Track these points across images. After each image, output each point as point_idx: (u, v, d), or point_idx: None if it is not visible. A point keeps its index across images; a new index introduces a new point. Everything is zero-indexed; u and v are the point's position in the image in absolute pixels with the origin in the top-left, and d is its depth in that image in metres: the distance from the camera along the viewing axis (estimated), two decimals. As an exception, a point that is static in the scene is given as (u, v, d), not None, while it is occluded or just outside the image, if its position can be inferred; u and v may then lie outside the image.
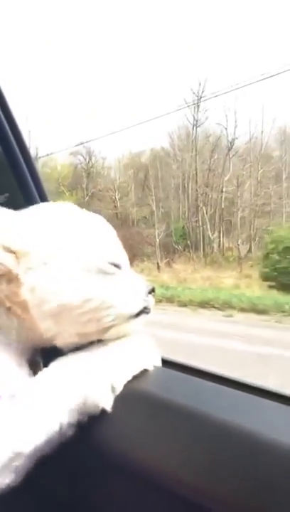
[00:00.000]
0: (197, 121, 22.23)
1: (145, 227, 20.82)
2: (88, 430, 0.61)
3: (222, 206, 20.68)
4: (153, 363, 0.71)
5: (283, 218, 19.02)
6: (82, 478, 0.66)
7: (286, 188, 20.30)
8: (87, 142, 25.00)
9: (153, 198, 22.25)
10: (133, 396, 0.64)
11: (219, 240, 20.10)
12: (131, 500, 0.60)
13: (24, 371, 0.65)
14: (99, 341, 0.69)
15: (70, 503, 0.69)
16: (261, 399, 0.60)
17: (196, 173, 21.51)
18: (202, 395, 0.63)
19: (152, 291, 0.70)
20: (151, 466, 0.56)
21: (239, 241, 17.22)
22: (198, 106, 22.07)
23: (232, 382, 0.66)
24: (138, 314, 0.68)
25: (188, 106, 21.96)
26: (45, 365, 0.66)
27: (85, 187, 24.51)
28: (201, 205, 21.61)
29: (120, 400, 0.63)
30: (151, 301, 0.69)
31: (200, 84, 21.94)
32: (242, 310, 8.58)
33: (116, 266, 0.67)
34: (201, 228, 21.21)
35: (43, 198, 0.91)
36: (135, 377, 0.67)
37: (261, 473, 0.47)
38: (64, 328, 0.65)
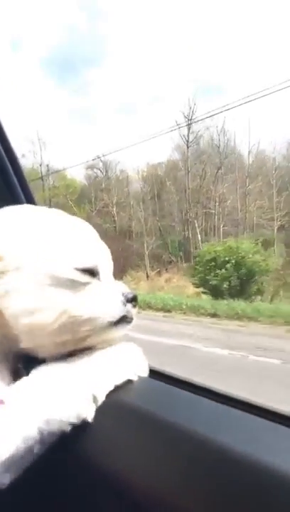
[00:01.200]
0: (188, 141, 24.64)
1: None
2: (70, 440, 0.60)
3: (204, 222, 23.31)
4: (138, 373, 0.69)
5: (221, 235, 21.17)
6: (64, 487, 0.65)
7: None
8: (101, 157, 27.41)
9: (143, 213, 24.66)
10: (115, 407, 0.62)
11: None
12: (108, 510, 0.59)
13: (4, 378, 0.63)
14: (84, 350, 0.67)
15: (52, 510, 0.68)
16: (248, 414, 0.58)
17: (185, 190, 24.11)
18: (186, 408, 0.62)
19: (133, 299, 0.67)
20: (129, 478, 0.55)
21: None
22: (188, 128, 24.47)
23: (221, 396, 0.64)
24: (117, 323, 0.65)
25: (179, 127, 24.35)
26: (28, 372, 0.64)
27: (93, 201, 27.00)
28: (190, 219, 23.88)
29: (102, 410, 0.61)
30: (131, 309, 0.67)
31: (190, 107, 24.35)
32: (168, 310, 11.52)
33: (92, 273, 0.65)
34: (191, 240, 23.42)
35: (30, 201, 0.89)
36: (119, 388, 0.65)
37: (235, 490, 0.46)
38: (40, 341, 0.63)
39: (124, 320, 0.67)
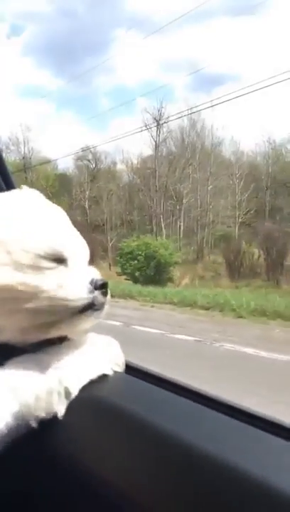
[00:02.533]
0: (156, 142, 26.77)
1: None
2: (40, 435, 0.58)
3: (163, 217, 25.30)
4: (114, 368, 0.67)
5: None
6: (34, 483, 0.64)
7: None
8: (90, 148, 28.24)
9: (115, 208, 26.93)
10: (89, 402, 0.61)
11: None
12: (81, 505, 0.58)
13: None
14: (58, 342, 0.65)
15: (22, 505, 0.66)
16: (220, 414, 0.58)
17: (149, 188, 26.04)
18: (160, 406, 0.61)
19: (102, 286, 0.65)
20: (100, 474, 0.55)
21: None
22: (157, 129, 26.57)
23: (197, 395, 0.63)
24: (82, 310, 0.63)
25: (147, 129, 26.50)
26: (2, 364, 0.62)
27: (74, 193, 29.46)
28: (154, 215, 26.13)
29: (75, 405, 0.60)
30: (99, 296, 0.64)
31: (158, 110, 26.43)
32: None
33: (58, 259, 0.62)
34: (158, 234, 25.68)
35: (10, 186, 0.87)
36: (92, 383, 0.63)
37: (201, 489, 0.47)
38: (2, 323, 0.61)
39: (91, 307, 0.64)
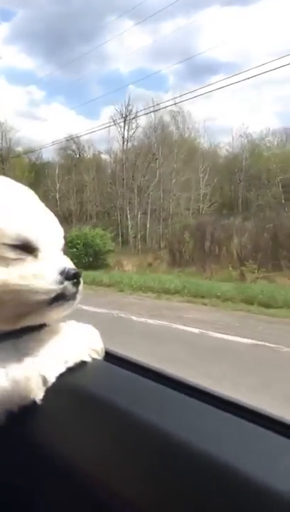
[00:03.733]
0: (123, 137, 28.53)
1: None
2: (17, 422, 0.58)
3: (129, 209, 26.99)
4: (92, 355, 0.66)
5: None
6: (11, 470, 0.63)
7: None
8: (73, 137, 29.19)
9: (74, 200, 28.93)
10: (66, 389, 0.60)
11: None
12: (58, 493, 0.58)
13: None
14: (36, 329, 0.64)
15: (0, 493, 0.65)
16: (200, 402, 0.57)
17: (116, 181, 27.76)
18: (138, 393, 0.60)
19: (74, 276, 0.63)
20: (76, 461, 0.55)
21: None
22: (125, 125, 28.30)
23: (177, 383, 0.62)
24: (52, 301, 0.61)
25: (115, 124, 28.23)
26: None
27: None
28: (119, 206, 27.94)
29: (53, 392, 0.59)
30: (70, 287, 0.62)
31: (126, 107, 28.17)
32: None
33: (27, 248, 0.60)
34: (124, 224, 27.60)
35: None
36: (70, 370, 0.62)
37: (178, 478, 0.47)
38: None
39: (61, 297, 0.62)
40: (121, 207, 26.32)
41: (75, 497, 0.57)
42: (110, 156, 30.15)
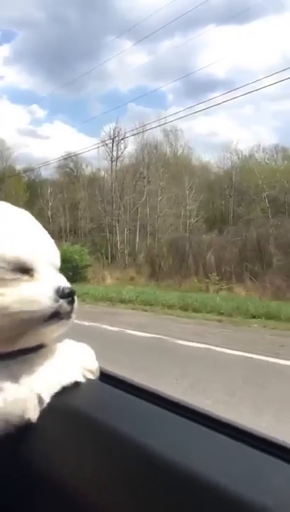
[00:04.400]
0: (111, 157, 30.04)
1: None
2: (12, 442, 0.58)
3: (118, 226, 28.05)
4: (87, 375, 0.66)
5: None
6: (5, 488, 0.63)
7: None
8: (73, 155, 29.75)
9: (67, 217, 30.21)
10: (60, 410, 0.60)
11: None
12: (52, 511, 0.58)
13: None
14: (32, 350, 0.64)
15: None
16: (196, 424, 0.56)
17: (106, 200, 28.36)
18: (132, 414, 0.60)
19: (69, 294, 0.63)
20: (69, 483, 0.55)
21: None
22: (113, 146, 29.66)
23: (172, 404, 0.62)
24: (47, 320, 0.61)
25: (104, 145, 29.42)
26: None
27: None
28: (107, 223, 28.93)
29: (47, 412, 0.59)
30: (65, 305, 0.62)
31: (114, 130, 28.93)
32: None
33: (22, 268, 0.61)
34: (113, 240, 28.82)
35: None
36: (65, 390, 0.62)
37: (171, 501, 0.47)
38: None
39: (56, 316, 0.63)
40: (110, 224, 27.72)
41: None
42: (107, 174, 31.40)
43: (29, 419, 0.58)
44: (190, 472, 0.47)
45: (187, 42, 38.74)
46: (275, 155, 33.44)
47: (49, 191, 30.28)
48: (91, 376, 0.67)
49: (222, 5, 37.51)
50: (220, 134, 43.81)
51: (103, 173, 30.28)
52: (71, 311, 0.64)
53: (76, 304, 0.65)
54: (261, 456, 0.50)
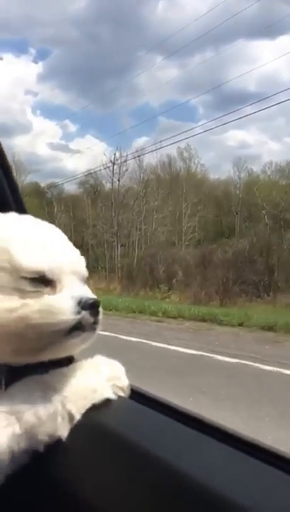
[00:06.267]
0: (112, 179, 30.36)
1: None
2: (42, 459, 0.58)
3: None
4: (118, 392, 0.66)
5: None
6: (34, 504, 0.63)
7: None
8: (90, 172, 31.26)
9: (71, 234, 32.32)
10: (91, 427, 0.60)
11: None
12: None
13: None
14: (65, 363, 0.64)
15: None
16: (227, 446, 0.56)
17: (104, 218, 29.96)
18: (162, 434, 0.60)
19: (92, 305, 0.61)
20: (98, 501, 0.55)
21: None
22: (113, 169, 30.19)
23: (202, 424, 0.61)
24: (69, 332, 0.60)
25: (105, 168, 29.65)
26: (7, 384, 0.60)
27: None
28: (106, 238, 29.02)
29: (77, 430, 0.59)
30: (87, 316, 0.61)
31: (114, 154, 29.79)
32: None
33: (45, 280, 0.60)
34: (111, 254, 28.98)
35: (20, 210, 0.84)
36: (96, 407, 0.61)
37: None
38: None
39: (79, 328, 0.61)
40: (107, 240, 30.79)
41: None
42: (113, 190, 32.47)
43: (59, 437, 0.57)
44: (223, 495, 0.47)
45: (217, 55, 39.36)
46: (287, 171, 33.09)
47: (56, 210, 33.07)
48: (122, 394, 0.66)
49: (252, 18, 37.81)
50: (252, 147, 44.09)
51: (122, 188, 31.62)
52: (95, 323, 0.62)
53: (100, 316, 0.62)
54: None
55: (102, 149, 39.55)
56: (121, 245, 28.61)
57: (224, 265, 16.26)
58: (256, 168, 34.21)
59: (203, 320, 10.96)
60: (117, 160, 29.92)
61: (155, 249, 23.47)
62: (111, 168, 29.87)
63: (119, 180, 30.82)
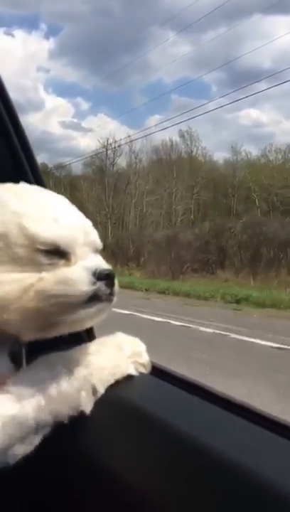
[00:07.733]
0: (105, 165, 30.73)
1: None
2: (66, 431, 0.59)
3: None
4: (139, 369, 0.66)
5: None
6: (59, 477, 0.65)
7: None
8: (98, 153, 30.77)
9: None
10: (113, 402, 0.62)
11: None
12: (104, 501, 0.61)
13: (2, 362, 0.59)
14: (87, 339, 0.64)
15: (51, 500, 0.69)
16: (246, 422, 0.56)
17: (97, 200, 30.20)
18: (183, 409, 0.61)
19: (107, 276, 0.61)
20: (121, 472, 0.57)
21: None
22: (106, 155, 30.69)
23: (222, 400, 0.62)
24: (86, 303, 0.59)
25: (97, 154, 30.42)
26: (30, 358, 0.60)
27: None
28: (100, 220, 28.64)
29: (101, 404, 0.60)
30: (103, 287, 0.60)
31: (107, 139, 30.17)
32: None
33: (59, 251, 0.60)
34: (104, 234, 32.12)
35: (39, 183, 0.84)
36: (118, 383, 0.62)
37: (223, 497, 0.47)
38: (15, 323, 0.58)
39: (95, 299, 0.61)
40: (101, 221, 32.88)
41: (117, 507, 0.58)
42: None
43: (83, 410, 0.58)
44: (237, 466, 0.48)
45: (231, 31, 36.85)
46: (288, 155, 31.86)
47: (62, 190, 33.13)
48: (143, 370, 0.67)
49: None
50: (267, 126, 42.31)
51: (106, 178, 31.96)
52: (111, 294, 0.61)
53: (116, 287, 0.61)
54: None
55: (115, 127, 38.44)
56: (114, 224, 30.97)
57: (184, 246, 18.04)
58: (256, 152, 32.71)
59: (147, 290, 14.22)
60: (110, 145, 31.48)
61: (130, 232, 25.84)
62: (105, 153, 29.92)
63: (112, 165, 32.58)
